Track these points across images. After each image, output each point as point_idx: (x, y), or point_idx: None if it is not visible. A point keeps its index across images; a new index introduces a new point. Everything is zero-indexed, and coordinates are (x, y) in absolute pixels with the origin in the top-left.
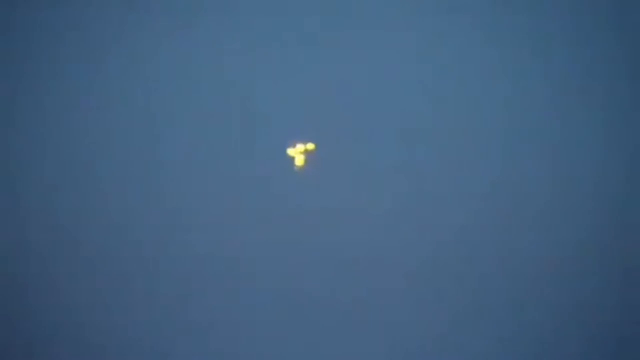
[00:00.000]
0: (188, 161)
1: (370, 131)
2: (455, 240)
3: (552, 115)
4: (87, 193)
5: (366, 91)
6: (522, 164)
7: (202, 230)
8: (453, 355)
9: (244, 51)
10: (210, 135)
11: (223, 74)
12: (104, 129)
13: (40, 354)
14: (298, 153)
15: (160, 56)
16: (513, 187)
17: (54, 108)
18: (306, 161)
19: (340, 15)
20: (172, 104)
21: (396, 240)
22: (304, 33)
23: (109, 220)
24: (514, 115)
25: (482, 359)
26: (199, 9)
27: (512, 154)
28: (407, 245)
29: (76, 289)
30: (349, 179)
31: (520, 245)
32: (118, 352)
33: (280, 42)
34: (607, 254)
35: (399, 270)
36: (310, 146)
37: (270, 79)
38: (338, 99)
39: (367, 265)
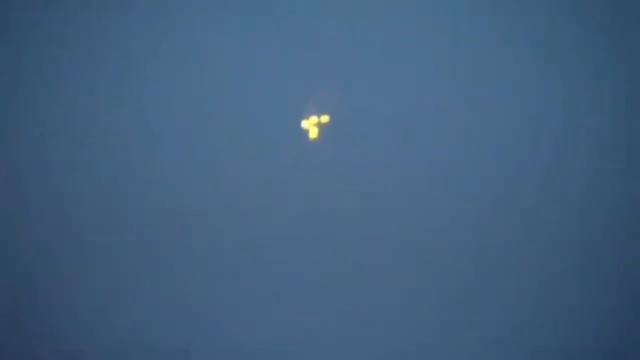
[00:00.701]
0: (187, 158)
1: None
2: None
3: (555, 115)
4: (86, 192)
5: (366, 79)
6: (526, 163)
7: (202, 229)
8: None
9: (242, 47)
10: (209, 130)
11: (222, 65)
12: (103, 129)
13: (40, 353)
14: (312, 125)
15: (160, 55)
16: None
17: (53, 108)
18: (320, 133)
19: (339, 11)
20: (172, 100)
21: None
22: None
23: (109, 218)
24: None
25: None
26: (198, 7)
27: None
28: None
29: (75, 289)
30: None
31: (519, 240)
32: (118, 352)
33: (278, 39)
34: (607, 254)
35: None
36: (324, 118)
37: (269, 76)
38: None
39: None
